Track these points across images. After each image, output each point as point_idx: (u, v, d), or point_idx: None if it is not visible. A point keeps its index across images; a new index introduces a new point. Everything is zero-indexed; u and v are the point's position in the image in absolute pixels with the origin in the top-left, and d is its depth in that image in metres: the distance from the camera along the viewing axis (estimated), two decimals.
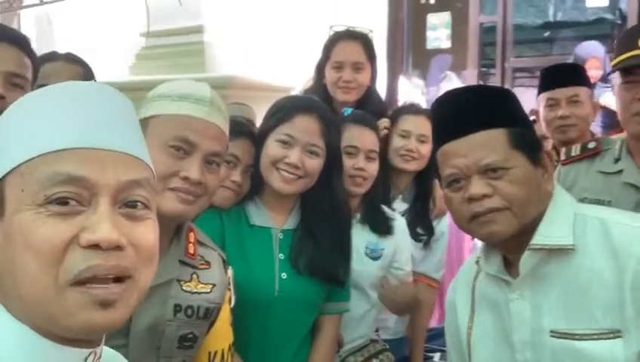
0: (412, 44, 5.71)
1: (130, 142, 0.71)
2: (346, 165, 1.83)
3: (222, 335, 1.40)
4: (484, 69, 5.67)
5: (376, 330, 2.08)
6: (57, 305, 0.64)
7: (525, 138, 1.19)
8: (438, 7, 5.73)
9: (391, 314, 2.15)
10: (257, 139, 1.69)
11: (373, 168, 1.92)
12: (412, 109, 2.25)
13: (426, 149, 2.10)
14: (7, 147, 0.68)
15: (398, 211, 2.12)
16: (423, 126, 2.09)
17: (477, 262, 1.31)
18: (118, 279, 0.67)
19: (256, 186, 1.70)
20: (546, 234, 1.16)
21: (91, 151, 0.67)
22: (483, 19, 5.27)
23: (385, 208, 2.03)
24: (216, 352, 1.38)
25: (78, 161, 0.66)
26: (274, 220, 1.70)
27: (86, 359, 0.69)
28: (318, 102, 1.78)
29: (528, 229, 1.16)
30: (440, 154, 1.23)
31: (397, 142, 2.18)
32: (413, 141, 2.15)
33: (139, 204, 0.70)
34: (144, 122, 1.25)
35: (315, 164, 1.64)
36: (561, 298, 1.15)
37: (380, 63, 2.47)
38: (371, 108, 2.18)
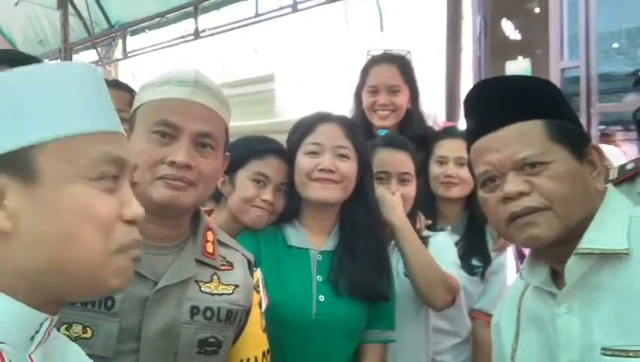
0: None
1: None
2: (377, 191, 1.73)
3: (254, 341, 1.32)
4: None
5: None
6: (107, 268, 0.73)
7: (567, 130, 1.07)
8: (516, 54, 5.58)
9: (449, 352, 1.98)
10: (288, 156, 1.64)
11: (407, 191, 1.82)
12: (447, 133, 2.13)
13: (466, 173, 1.88)
14: (40, 116, 0.70)
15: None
16: (460, 149, 1.93)
17: (521, 275, 1.17)
18: None
19: (293, 208, 1.65)
20: (596, 238, 1.01)
21: (118, 135, 0.77)
22: (564, 64, 5.06)
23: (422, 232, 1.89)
24: (248, 359, 1.30)
25: (120, 144, 0.76)
26: (312, 242, 1.63)
27: (42, 324, 0.72)
28: (336, 113, 1.72)
29: (576, 234, 1.02)
30: (472, 152, 1.13)
31: (435, 169, 2.08)
32: (452, 166, 2.04)
33: None
34: (133, 116, 1.21)
35: (348, 166, 1.58)
36: (613, 310, 0.99)
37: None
38: (412, 132, 2.10)
